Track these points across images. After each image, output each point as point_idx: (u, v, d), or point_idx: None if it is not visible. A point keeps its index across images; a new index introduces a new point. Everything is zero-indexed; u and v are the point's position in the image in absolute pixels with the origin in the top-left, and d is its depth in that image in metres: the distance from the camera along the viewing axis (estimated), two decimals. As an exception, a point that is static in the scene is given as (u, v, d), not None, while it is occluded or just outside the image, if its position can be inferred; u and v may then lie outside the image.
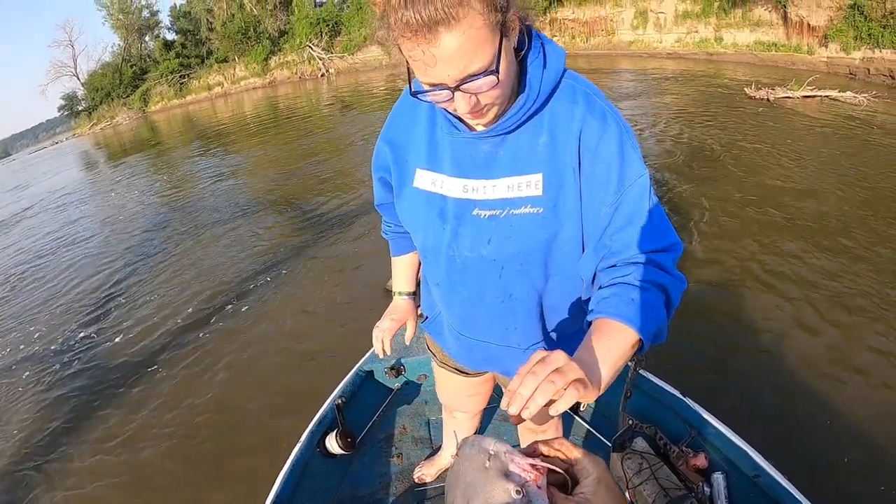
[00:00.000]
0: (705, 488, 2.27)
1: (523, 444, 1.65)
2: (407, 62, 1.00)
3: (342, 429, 2.69)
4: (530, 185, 1.15)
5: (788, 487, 2.04)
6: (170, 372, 4.94)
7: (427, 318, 1.72)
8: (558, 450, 0.80)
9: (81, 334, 5.95)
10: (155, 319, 5.93)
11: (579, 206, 1.15)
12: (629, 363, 2.58)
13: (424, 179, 1.28)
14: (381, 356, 1.68)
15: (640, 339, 1.01)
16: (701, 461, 2.34)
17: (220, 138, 16.11)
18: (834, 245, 5.01)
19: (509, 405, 0.84)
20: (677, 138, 8.85)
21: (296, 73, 29.07)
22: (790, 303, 4.25)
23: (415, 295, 1.78)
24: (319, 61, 27.90)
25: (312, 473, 2.69)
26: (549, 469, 0.76)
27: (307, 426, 2.76)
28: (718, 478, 2.30)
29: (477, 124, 1.14)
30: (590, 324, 1.06)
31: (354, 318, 5.11)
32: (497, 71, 0.96)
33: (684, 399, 2.47)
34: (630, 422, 2.57)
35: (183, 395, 4.57)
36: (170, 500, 3.51)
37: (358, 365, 3.13)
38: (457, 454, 0.78)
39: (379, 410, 3.13)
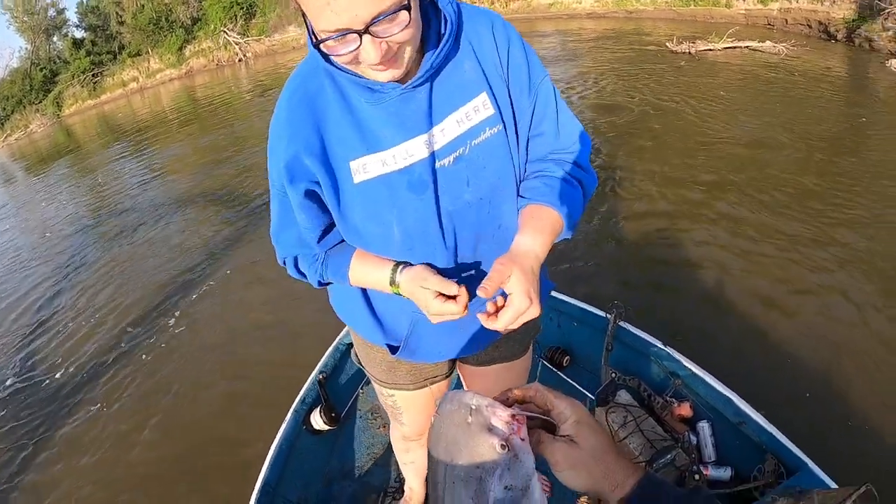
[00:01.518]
0: (691, 437, 2.29)
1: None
2: (304, 16, 0.92)
3: (326, 404, 2.67)
4: (478, 108, 1.11)
5: (774, 432, 2.07)
6: (135, 376, 4.65)
7: (398, 346, 1.39)
8: (533, 397, 0.78)
9: (12, 366, 5.34)
10: (95, 338, 5.37)
11: (511, 112, 1.16)
12: (608, 315, 2.57)
13: (370, 167, 1.09)
14: (464, 310, 1.10)
15: (563, 223, 1.16)
16: (686, 410, 2.36)
17: (141, 136, 15.12)
18: (768, 186, 5.07)
19: (489, 315, 1.04)
20: (605, 96, 8.79)
21: (212, 61, 27.24)
22: (734, 246, 4.31)
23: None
24: (236, 46, 26.46)
25: (300, 452, 2.67)
26: (528, 417, 0.73)
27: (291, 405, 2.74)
28: (704, 426, 2.32)
29: (389, 77, 1.00)
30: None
31: (317, 296, 4.90)
32: (409, 6, 0.88)
33: (666, 349, 2.48)
34: (613, 375, 2.58)
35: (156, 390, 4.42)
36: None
37: (337, 339, 3.09)
38: (436, 412, 0.74)
39: (361, 383, 3.11)
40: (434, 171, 1.11)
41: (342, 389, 3.02)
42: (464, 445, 0.69)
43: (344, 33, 0.87)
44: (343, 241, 1.25)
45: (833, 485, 1.84)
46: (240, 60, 26.63)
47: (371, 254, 1.23)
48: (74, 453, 3.95)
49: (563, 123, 1.21)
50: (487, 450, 0.68)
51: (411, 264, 1.18)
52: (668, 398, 2.43)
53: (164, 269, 6.36)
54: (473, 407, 0.71)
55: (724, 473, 2.19)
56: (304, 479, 2.62)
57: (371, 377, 1.65)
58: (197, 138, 13.11)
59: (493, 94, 1.12)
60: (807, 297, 3.64)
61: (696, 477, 2.11)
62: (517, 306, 1.01)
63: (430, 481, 0.74)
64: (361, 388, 3.08)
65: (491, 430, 0.69)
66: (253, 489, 2.36)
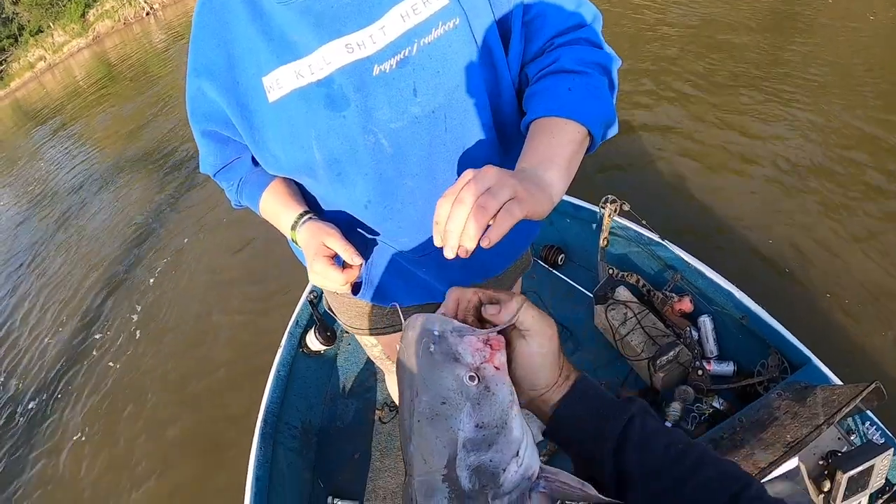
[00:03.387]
0: (692, 333, 2.23)
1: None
2: None
3: (320, 324, 2.61)
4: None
5: (777, 327, 2.00)
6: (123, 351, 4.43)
7: (359, 282, 1.23)
8: (485, 296, 0.67)
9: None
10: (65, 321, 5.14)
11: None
12: (601, 210, 2.46)
13: (283, 81, 0.91)
14: (344, 285, 1.00)
15: (589, 132, 0.85)
16: (686, 305, 2.29)
17: (60, 116, 13.92)
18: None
19: (443, 245, 0.69)
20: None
21: (119, 21, 24.90)
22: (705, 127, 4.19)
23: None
24: (141, 0, 25.16)
25: (299, 374, 2.65)
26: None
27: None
28: (705, 321, 2.26)
29: None
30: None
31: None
32: None
33: (663, 242, 2.38)
34: (610, 271, 2.50)
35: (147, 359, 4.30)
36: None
37: None
38: (401, 339, 0.64)
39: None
40: (365, 81, 0.89)
41: None
42: (427, 378, 0.60)
43: None
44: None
45: (837, 381, 1.79)
46: (147, 14, 24.69)
47: (283, 190, 1.10)
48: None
49: None
50: (454, 382, 0.59)
51: (316, 218, 1.06)
52: (667, 293, 2.36)
53: (121, 240, 6.07)
54: (437, 333, 0.61)
55: (728, 368, 2.15)
56: (306, 402, 2.60)
57: (345, 326, 1.49)
58: (120, 105, 12.24)
59: None
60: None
61: (700, 372, 2.07)
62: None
63: (399, 416, 0.65)
64: None
65: (457, 359, 0.60)
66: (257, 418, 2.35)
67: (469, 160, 1.00)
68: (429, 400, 0.59)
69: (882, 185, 3.30)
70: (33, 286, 6.01)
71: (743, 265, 2.99)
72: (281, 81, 0.90)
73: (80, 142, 10.84)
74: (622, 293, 2.48)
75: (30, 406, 4.24)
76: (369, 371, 2.75)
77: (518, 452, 0.59)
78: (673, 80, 4.90)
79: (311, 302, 2.65)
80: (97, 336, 4.64)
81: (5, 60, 27.81)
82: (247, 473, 2.13)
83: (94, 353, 4.44)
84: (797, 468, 1.45)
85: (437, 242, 0.71)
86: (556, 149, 0.82)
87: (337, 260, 1.01)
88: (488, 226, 0.68)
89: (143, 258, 5.51)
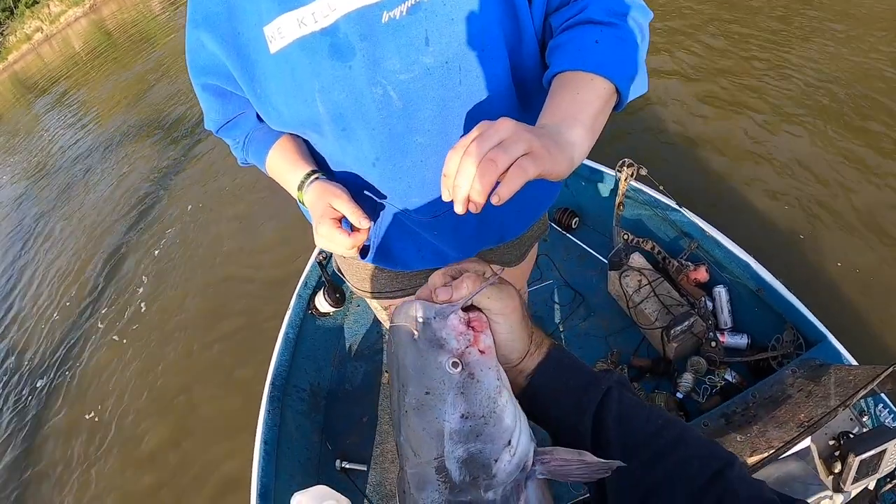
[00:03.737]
0: (707, 303, 2.18)
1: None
2: None
3: (329, 285, 2.59)
4: None
5: (794, 301, 1.93)
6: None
7: (367, 246, 1.16)
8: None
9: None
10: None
11: None
12: (617, 173, 2.39)
13: (285, 30, 0.85)
14: (350, 249, 0.96)
15: (617, 88, 0.79)
16: (702, 274, 2.23)
17: (59, 87, 13.76)
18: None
19: (452, 199, 0.65)
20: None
21: None
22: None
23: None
24: None
25: (308, 335, 2.64)
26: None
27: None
28: (721, 291, 2.20)
29: None
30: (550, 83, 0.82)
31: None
32: None
33: (681, 209, 2.31)
34: (625, 237, 2.45)
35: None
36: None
37: None
38: (389, 327, 0.62)
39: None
40: (373, 29, 0.83)
41: None
42: (412, 367, 0.57)
43: None
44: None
45: (852, 360, 1.74)
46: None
47: (291, 147, 1.05)
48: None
49: None
50: (436, 371, 0.56)
51: (324, 178, 1.01)
52: (683, 261, 2.30)
53: (126, 209, 6.05)
54: (420, 319, 0.57)
55: (741, 341, 2.10)
56: (315, 364, 2.61)
57: (354, 289, 1.45)
58: (119, 73, 12.06)
59: None
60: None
61: (713, 344, 2.02)
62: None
63: (390, 406, 0.62)
64: None
65: (442, 345, 0.57)
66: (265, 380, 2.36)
67: (485, 116, 0.87)
68: (414, 390, 0.57)
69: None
70: (39, 259, 6.05)
71: (761, 235, 2.90)
72: (283, 30, 0.84)
73: (81, 112, 10.74)
74: (637, 260, 2.42)
75: (38, 384, 4.28)
76: (378, 333, 2.74)
77: (510, 441, 0.56)
78: (693, 44, 4.73)
79: (320, 263, 2.62)
80: (103, 310, 4.67)
81: (2, 34, 27.44)
82: (255, 436, 2.14)
83: (100, 325, 4.50)
84: (808, 448, 1.41)
85: (446, 197, 0.67)
86: (582, 105, 0.75)
87: (344, 222, 0.96)
88: (499, 182, 0.62)
89: (152, 224, 5.53)
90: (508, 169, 0.62)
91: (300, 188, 1.02)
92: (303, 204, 1.05)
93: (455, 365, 0.56)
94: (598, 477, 0.55)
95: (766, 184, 3.23)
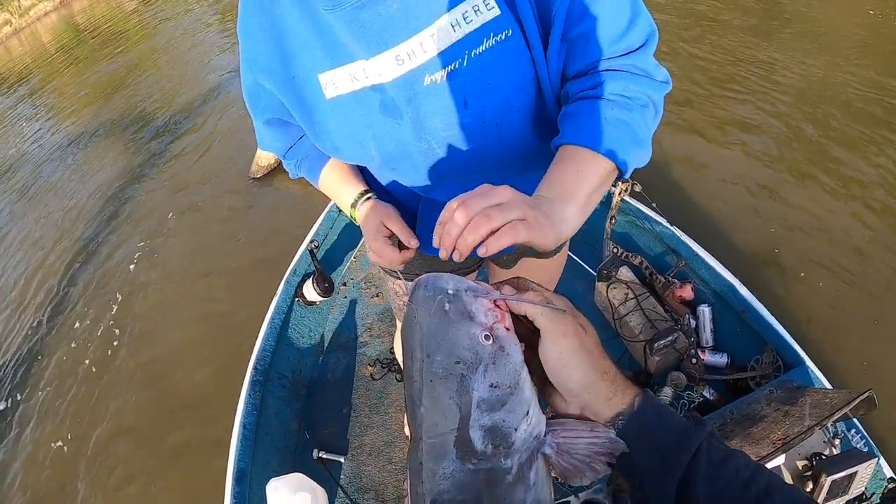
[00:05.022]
0: (691, 320, 2.24)
1: None
2: None
3: (318, 274, 2.60)
4: (479, 8, 0.83)
5: (774, 325, 2.00)
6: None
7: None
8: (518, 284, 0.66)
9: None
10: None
11: (531, 7, 0.84)
12: (612, 188, 2.44)
13: (339, 81, 0.91)
14: (399, 265, 1.07)
15: (611, 167, 0.82)
16: (687, 292, 2.29)
17: (26, 84, 12.95)
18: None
19: (439, 244, 0.69)
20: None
21: None
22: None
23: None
24: None
25: (294, 324, 2.65)
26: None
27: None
28: (704, 310, 2.26)
29: None
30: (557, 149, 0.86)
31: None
32: None
33: (671, 228, 2.37)
34: (615, 250, 2.49)
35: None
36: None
37: (329, 207, 2.97)
38: (409, 299, 0.63)
39: (355, 251, 3.03)
40: (416, 91, 0.88)
41: (335, 258, 2.95)
42: (441, 337, 0.58)
43: None
44: None
45: (828, 385, 1.80)
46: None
47: (343, 166, 1.16)
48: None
49: (617, 11, 0.84)
50: (469, 342, 0.58)
51: (375, 196, 1.13)
52: (670, 278, 2.36)
53: (102, 203, 5.86)
54: (451, 292, 0.59)
55: (721, 360, 2.16)
56: (298, 352, 2.61)
57: (383, 271, 1.52)
58: (89, 72, 11.66)
59: None
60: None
61: (694, 361, 2.07)
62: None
63: (405, 378, 0.63)
64: (354, 257, 3.01)
65: (472, 318, 0.59)
66: (247, 366, 2.36)
67: (517, 162, 1.03)
68: (442, 360, 0.58)
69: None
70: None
71: (747, 258, 3.00)
72: (336, 81, 0.92)
73: (49, 109, 10.32)
74: (625, 273, 2.47)
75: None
76: (364, 326, 2.75)
77: (528, 412, 0.59)
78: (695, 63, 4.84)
79: (310, 252, 2.63)
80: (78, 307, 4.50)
81: (-32, 27, 26.58)
82: (234, 419, 2.15)
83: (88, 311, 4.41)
84: (778, 466, 1.46)
85: (435, 242, 0.71)
86: (580, 183, 0.80)
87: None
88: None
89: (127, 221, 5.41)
90: (501, 228, 0.66)
91: (353, 205, 1.13)
92: (353, 220, 1.16)
93: (487, 337, 0.58)
94: (603, 460, 0.58)
95: (756, 211, 3.32)
